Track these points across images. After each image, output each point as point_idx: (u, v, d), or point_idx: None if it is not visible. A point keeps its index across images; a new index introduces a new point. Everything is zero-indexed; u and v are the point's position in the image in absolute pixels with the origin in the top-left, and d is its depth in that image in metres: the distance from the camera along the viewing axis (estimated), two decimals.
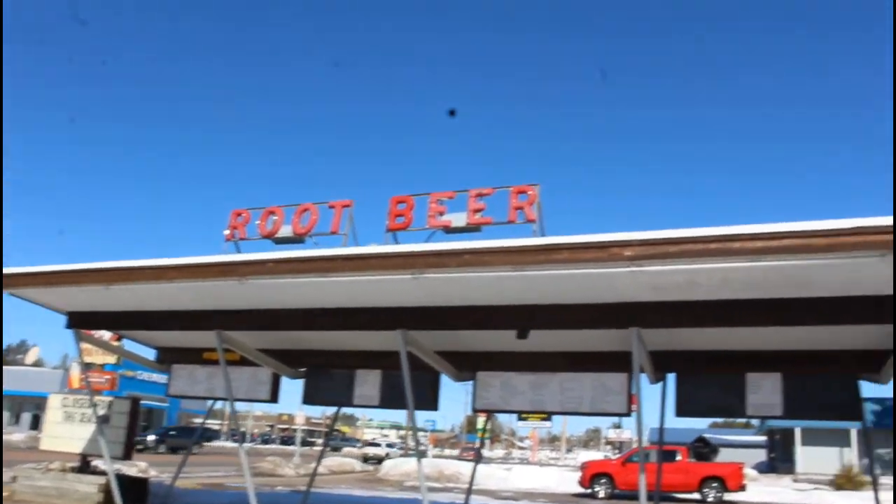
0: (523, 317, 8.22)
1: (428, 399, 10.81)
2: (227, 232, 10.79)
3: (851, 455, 37.61)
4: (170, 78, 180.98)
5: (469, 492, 12.18)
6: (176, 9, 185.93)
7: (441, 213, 9.55)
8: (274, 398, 11.97)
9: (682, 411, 9.81)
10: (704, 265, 6.62)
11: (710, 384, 9.59)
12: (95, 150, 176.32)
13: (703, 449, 34.25)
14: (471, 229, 9.44)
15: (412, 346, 9.01)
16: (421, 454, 10.69)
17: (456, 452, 72.04)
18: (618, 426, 67.97)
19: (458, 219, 9.44)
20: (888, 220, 6.19)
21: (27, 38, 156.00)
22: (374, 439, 72.17)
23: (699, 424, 65.86)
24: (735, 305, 7.56)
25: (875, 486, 10.14)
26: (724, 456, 33.70)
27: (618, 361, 9.15)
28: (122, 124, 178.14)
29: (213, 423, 76.11)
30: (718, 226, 6.49)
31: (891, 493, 25.32)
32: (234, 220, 10.86)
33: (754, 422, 54.27)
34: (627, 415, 9.73)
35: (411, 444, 62.25)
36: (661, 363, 9.57)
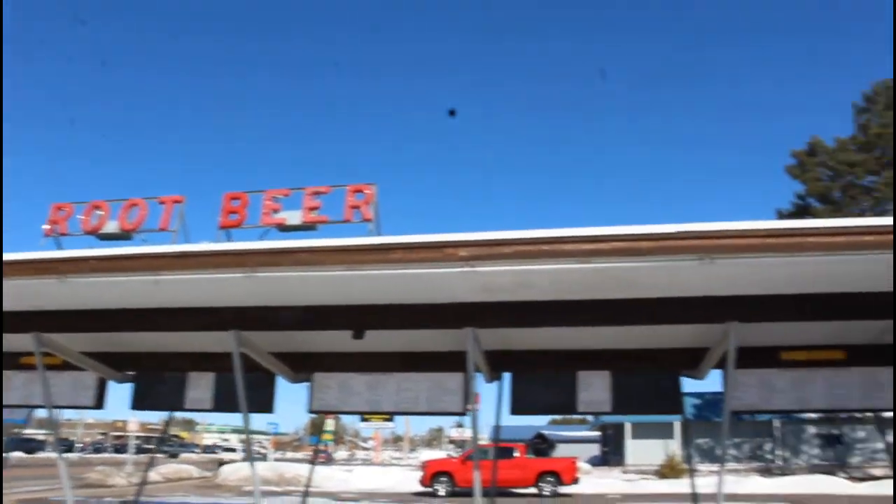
0: (359, 317, 8.13)
1: (263, 402, 10.50)
2: (46, 227, 10.07)
3: (675, 446, 39.76)
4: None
5: (305, 494, 11.97)
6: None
7: (276, 211, 9.30)
8: (99, 404, 11.28)
9: (517, 410, 10.01)
10: (537, 266, 6.76)
11: (543, 383, 9.83)
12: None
13: (541, 445, 35.45)
14: (306, 227, 9.25)
15: (246, 347, 8.73)
16: (259, 458, 10.35)
17: (299, 455, 70.93)
18: (460, 425, 68.86)
19: (293, 217, 9.23)
20: (705, 226, 6.55)
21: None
22: (214, 444, 69.85)
23: (538, 421, 68.02)
24: (566, 306, 7.77)
25: (692, 472, 10.79)
26: (562, 451, 34.99)
27: (454, 361, 9.18)
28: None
29: (37, 433, 71.39)
30: (551, 227, 6.67)
31: (707, 479, 27.02)
32: (55, 214, 10.16)
33: (589, 418, 56.49)
34: (464, 414, 9.84)
35: (254, 448, 60.77)
36: (497, 362, 9.72)
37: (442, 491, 24.95)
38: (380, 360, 9.92)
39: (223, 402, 10.60)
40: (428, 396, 9.82)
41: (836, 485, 26.67)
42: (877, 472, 32.15)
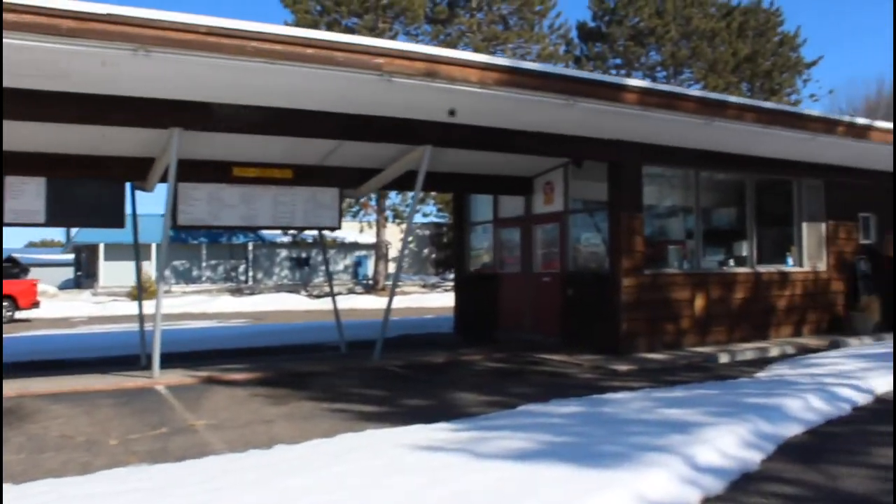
0: None
1: None
2: None
3: (151, 268, 39.26)
4: None
5: None
6: None
7: None
8: None
9: None
10: None
11: None
12: None
13: (13, 269, 32.17)
14: None
15: None
16: None
17: None
18: None
19: None
20: (140, 12, 5.90)
21: None
22: None
23: (14, 244, 62.49)
24: None
25: (140, 295, 10.65)
26: (36, 275, 32.23)
27: None
28: None
29: None
30: None
31: (178, 300, 27.33)
32: None
33: (63, 240, 53.30)
34: None
35: None
36: None
37: None
38: None
39: None
40: None
41: (296, 302, 28.87)
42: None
